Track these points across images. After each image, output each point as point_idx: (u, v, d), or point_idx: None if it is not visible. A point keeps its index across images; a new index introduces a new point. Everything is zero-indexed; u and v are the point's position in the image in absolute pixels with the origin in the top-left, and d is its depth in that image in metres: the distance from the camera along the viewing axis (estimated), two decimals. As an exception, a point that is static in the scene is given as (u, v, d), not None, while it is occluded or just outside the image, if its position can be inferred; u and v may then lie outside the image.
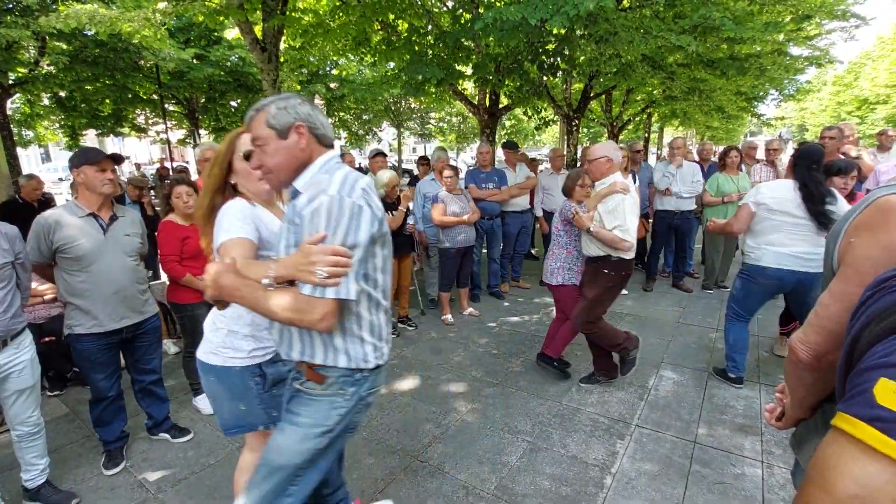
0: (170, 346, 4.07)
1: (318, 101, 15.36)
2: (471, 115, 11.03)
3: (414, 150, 36.41)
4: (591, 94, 11.42)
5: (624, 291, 5.34)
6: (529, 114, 9.98)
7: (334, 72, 15.37)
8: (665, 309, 4.86)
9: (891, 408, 0.56)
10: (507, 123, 24.72)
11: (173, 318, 4.09)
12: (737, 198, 4.78)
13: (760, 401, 3.09)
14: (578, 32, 5.20)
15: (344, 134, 20.88)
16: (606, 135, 16.94)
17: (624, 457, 2.57)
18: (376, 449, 2.68)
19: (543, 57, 5.25)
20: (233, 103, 15.94)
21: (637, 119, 18.48)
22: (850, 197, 3.12)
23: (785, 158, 4.72)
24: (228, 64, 13.15)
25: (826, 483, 0.59)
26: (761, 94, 12.58)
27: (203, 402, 3.12)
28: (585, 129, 29.30)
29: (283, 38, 6.70)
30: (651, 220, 5.45)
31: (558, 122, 14.85)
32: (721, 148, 5.25)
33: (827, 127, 4.43)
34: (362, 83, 14.83)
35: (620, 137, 18.69)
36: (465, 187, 4.95)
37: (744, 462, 2.50)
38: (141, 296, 2.55)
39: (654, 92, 12.61)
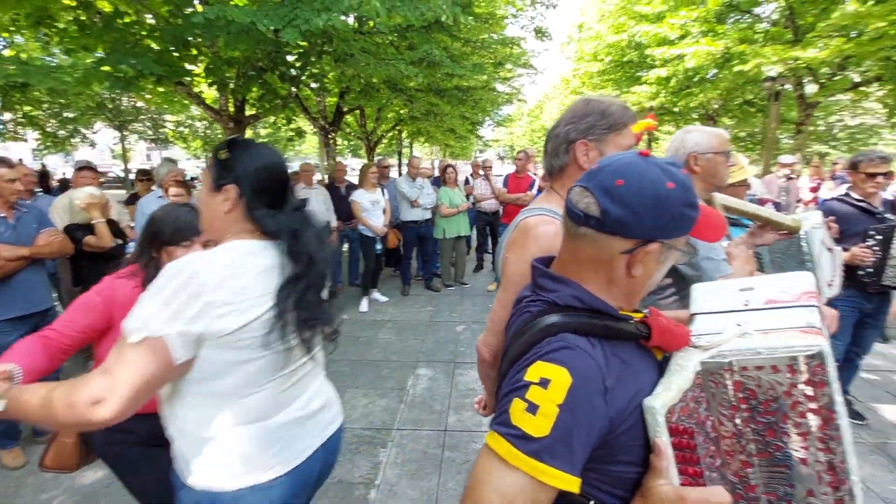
0: None
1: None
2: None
3: (149, 157, 30.37)
4: (345, 110, 11.75)
5: (385, 298, 5.66)
6: (279, 124, 9.53)
7: (7, 52, 11.31)
8: (420, 310, 5.35)
9: (520, 426, 0.65)
10: (263, 132, 23.18)
11: None
12: (464, 208, 5.70)
13: (493, 378, 3.70)
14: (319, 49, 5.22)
15: (35, 135, 15.72)
16: (364, 149, 17.70)
17: (387, 465, 2.66)
18: None
19: (284, 68, 5.06)
20: None
21: (390, 135, 20.03)
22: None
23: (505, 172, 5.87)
24: None
25: (474, 494, 0.65)
26: (481, 119, 15.34)
27: None
28: (347, 142, 30.15)
29: None
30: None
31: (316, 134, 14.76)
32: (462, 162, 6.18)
33: (520, 150, 5.70)
34: (52, 69, 11.38)
35: (377, 151, 19.93)
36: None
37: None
38: None
39: (402, 112, 13.89)
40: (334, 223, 5.46)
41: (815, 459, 0.69)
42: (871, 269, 2.69)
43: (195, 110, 18.95)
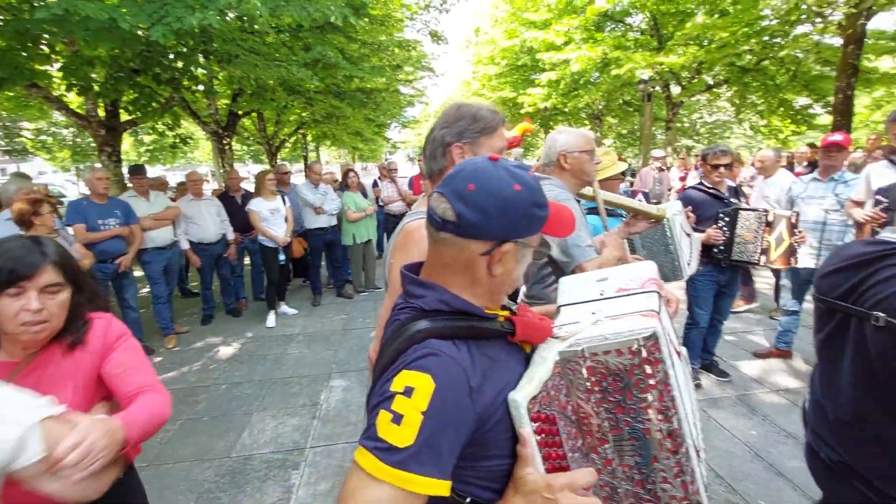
0: None
1: None
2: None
3: (2, 171, 25.86)
4: (240, 113, 10.99)
5: (294, 311, 5.40)
6: (160, 129, 8.66)
7: None
8: (332, 319, 5.19)
9: (386, 438, 0.65)
10: (148, 139, 20.85)
11: None
12: (371, 211, 5.67)
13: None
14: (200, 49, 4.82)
15: None
16: (266, 154, 16.73)
17: (300, 487, 2.54)
18: None
19: (159, 69, 4.59)
20: None
21: (294, 139, 19.15)
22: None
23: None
24: None
25: None
26: (386, 122, 15.27)
27: None
28: (246, 147, 28.21)
29: None
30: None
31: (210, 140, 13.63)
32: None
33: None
34: None
35: (280, 157, 18.93)
36: (68, 225, 3.79)
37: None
38: None
39: (304, 114, 13.35)
40: (231, 235, 5.09)
41: (656, 429, 0.78)
42: (722, 247, 3.13)
43: (59, 116, 16.50)
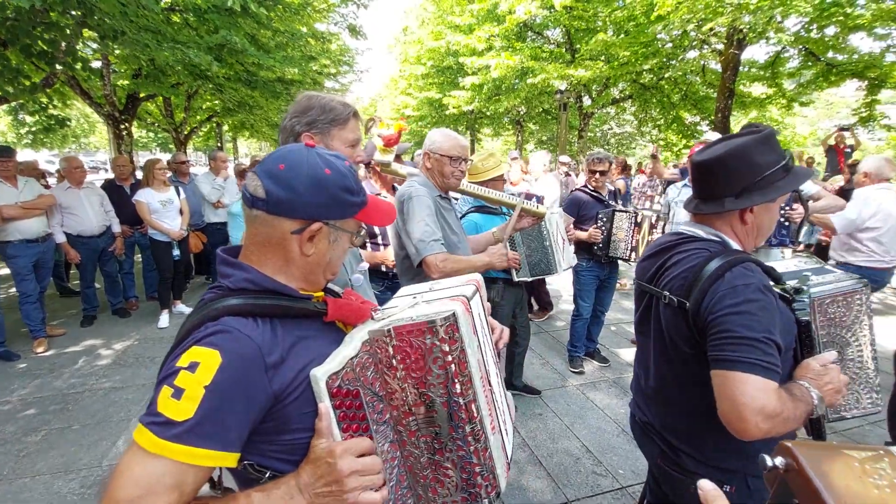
0: None
1: None
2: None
3: None
4: (142, 96, 10.04)
5: (191, 310, 5.07)
6: (30, 109, 7.65)
7: None
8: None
9: (164, 413, 0.65)
10: (31, 120, 18.29)
11: None
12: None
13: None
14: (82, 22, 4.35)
15: None
16: (174, 142, 15.43)
17: None
18: None
19: (28, 40, 4.07)
20: None
21: (207, 128, 17.85)
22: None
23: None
24: None
25: (111, 490, 0.64)
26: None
27: None
28: (153, 135, 25.77)
29: None
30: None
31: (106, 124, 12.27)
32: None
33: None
34: None
35: (192, 145, 17.57)
36: None
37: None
38: None
39: (215, 102, 12.48)
40: (117, 228, 4.66)
41: (454, 401, 0.87)
42: (601, 245, 3.45)
43: None
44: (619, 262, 3.56)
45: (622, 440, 2.83)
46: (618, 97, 13.26)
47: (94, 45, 5.77)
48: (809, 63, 9.91)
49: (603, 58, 10.45)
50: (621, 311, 5.02)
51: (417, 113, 18.75)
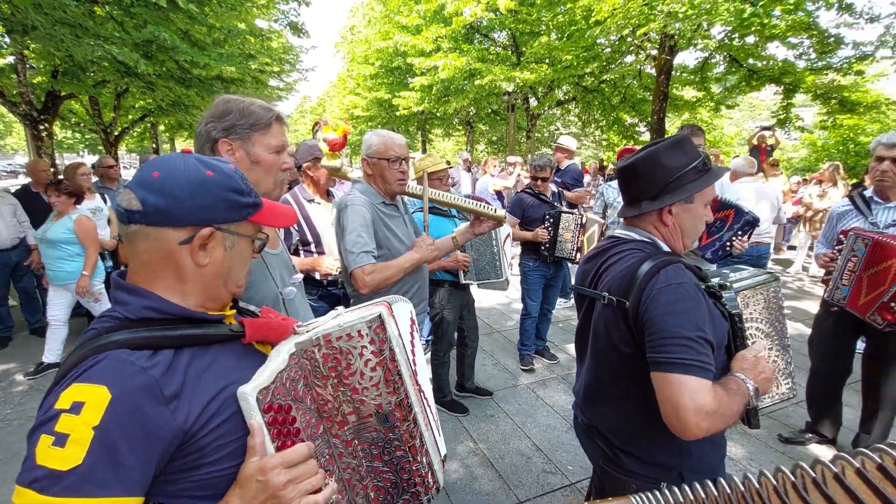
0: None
1: None
2: None
3: None
4: (64, 94, 9.22)
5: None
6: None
7: None
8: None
9: (45, 465, 0.57)
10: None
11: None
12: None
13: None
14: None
15: None
16: (103, 144, 14.32)
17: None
18: None
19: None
20: None
21: (140, 128, 16.70)
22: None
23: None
24: None
25: None
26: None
27: None
28: (80, 136, 23.82)
29: None
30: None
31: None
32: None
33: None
34: None
35: (124, 147, 16.37)
36: None
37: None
38: None
39: (148, 101, 11.70)
40: (32, 240, 4.25)
41: (387, 402, 0.85)
42: (548, 245, 3.53)
43: None
44: (565, 262, 3.67)
45: (571, 436, 2.90)
46: (562, 99, 13.70)
47: (7, 40, 5.25)
48: (733, 69, 10.67)
49: (547, 61, 10.75)
50: (569, 308, 5.17)
51: (367, 113, 18.49)
